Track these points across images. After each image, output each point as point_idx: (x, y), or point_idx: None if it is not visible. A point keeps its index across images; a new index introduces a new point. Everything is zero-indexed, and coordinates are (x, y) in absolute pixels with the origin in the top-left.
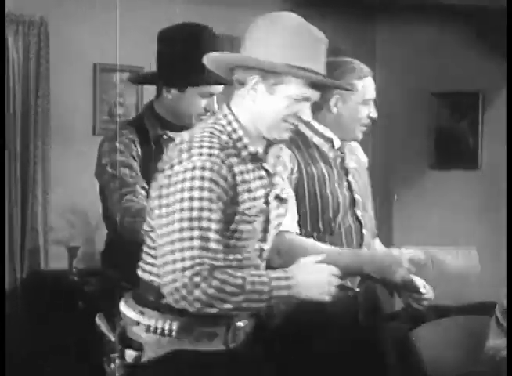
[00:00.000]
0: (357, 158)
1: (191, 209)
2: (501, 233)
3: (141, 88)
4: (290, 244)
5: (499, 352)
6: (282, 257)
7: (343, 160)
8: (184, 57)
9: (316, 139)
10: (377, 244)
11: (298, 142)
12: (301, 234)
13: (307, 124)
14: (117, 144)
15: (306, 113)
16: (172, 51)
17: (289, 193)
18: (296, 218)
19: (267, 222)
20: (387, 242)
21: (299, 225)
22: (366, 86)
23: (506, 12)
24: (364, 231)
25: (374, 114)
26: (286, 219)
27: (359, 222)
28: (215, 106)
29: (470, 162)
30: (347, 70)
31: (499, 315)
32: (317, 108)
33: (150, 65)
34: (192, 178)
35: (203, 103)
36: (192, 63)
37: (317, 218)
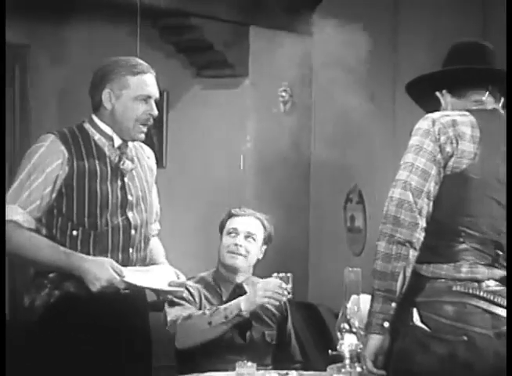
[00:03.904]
0: (139, 159)
1: None
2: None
3: None
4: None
5: None
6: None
7: (120, 159)
8: None
9: (97, 137)
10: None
11: (78, 138)
12: (63, 228)
13: (91, 121)
14: None
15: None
16: None
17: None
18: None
19: None
20: None
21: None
22: (140, 82)
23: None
24: (132, 232)
25: (154, 112)
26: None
27: (129, 222)
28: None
29: (156, 161)
30: (119, 65)
31: None
32: (98, 104)
33: None
34: None
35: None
36: None
37: (83, 213)
